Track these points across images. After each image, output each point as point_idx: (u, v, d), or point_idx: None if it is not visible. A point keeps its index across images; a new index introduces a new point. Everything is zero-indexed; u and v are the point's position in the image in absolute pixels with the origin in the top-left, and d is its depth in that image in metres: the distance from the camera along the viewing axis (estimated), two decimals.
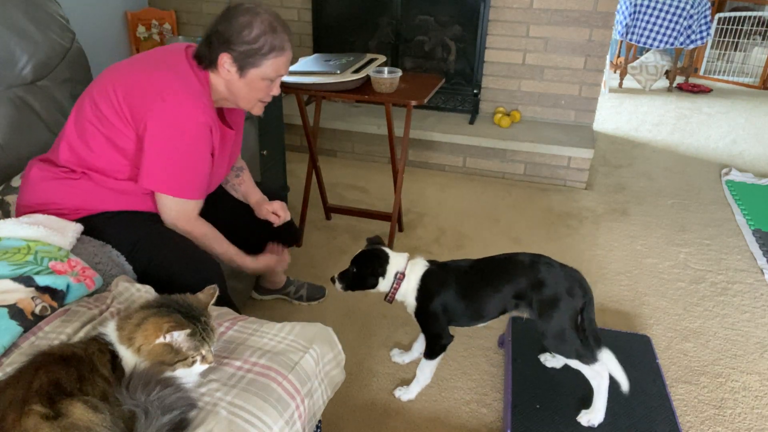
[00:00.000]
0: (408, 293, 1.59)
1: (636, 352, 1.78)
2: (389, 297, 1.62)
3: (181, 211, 1.51)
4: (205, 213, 1.59)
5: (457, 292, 1.56)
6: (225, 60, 1.44)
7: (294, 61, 3.83)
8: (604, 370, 1.49)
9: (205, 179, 1.53)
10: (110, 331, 1.03)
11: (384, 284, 1.60)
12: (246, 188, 1.81)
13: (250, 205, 1.80)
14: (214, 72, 1.47)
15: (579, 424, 1.52)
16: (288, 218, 1.79)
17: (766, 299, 2.25)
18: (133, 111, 1.42)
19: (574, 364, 1.50)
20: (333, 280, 1.64)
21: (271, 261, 1.79)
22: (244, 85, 1.49)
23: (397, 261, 1.61)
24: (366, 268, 1.60)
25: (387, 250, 1.63)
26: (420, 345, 1.76)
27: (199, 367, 1.04)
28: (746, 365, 1.91)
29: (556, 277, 1.49)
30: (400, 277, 1.59)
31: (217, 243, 1.60)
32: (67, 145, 1.49)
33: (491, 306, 1.55)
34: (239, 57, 1.43)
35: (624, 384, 1.49)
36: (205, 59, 1.46)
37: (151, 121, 1.40)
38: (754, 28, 5.17)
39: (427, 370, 1.70)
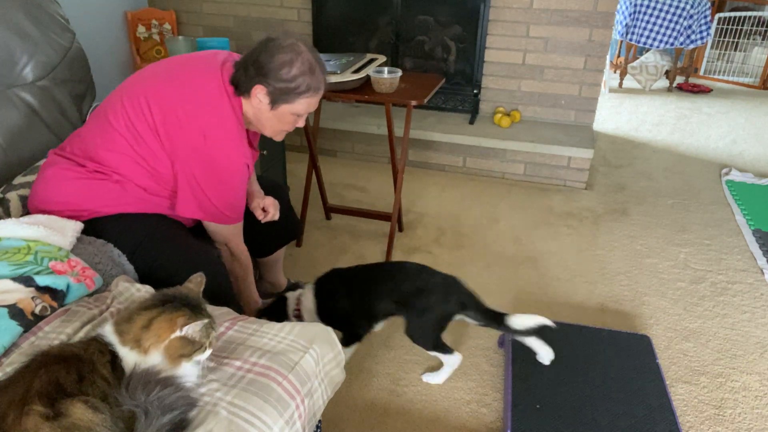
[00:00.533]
0: (313, 314, 1.78)
1: (636, 352, 1.78)
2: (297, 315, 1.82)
3: (230, 233, 1.61)
4: None
5: (348, 294, 1.76)
6: (259, 91, 1.44)
7: None
8: (456, 362, 1.76)
9: (243, 204, 1.60)
10: (108, 333, 1.03)
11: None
12: None
13: None
14: (246, 99, 1.48)
15: (579, 424, 1.52)
16: (276, 217, 1.80)
17: (766, 299, 2.25)
18: (173, 143, 1.45)
19: (433, 353, 1.75)
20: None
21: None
22: (273, 117, 1.50)
23: (291, 297, 1.83)
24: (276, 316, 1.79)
25: (287, 294, 1.84)
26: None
27: (208, 352, 1.07)
28: (746, 365, 1.91)
29: (435, 285, 1.69)
30: (296, 309, 1.81)
31: (251, 271, 1.74)
32: (93, 154, 1.50)
33: (378, 309, 1.75)
34: (274, 92, 1.44)
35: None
36: (241, 87, 1.46)
37: (192, 158, 1.44)
38: (754, 28, 5.17)
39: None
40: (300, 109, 1.49)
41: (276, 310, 1.81)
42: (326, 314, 1.76)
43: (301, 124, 1.57)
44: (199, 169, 1.45)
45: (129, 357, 1.01)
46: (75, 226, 1.43)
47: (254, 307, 1.83)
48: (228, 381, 1.08)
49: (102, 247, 1.44)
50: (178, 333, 1.00)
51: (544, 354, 1.72)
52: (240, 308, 1.61)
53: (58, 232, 1.36)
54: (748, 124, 4.22)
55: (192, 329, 1.01)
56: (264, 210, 1.78)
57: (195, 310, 1.05)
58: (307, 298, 1.79)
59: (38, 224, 1.35)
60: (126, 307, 1.08)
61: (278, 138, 1.60)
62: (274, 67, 1.41)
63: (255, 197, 1.79)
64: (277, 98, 1.45)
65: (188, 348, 1.02)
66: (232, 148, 1.46)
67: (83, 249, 1.41)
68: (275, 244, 1.97)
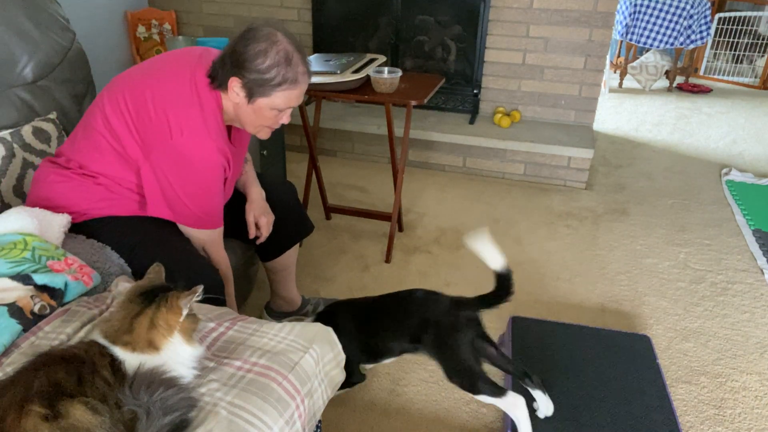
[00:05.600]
0: None
1: (636, 352, 1.78)
2: None
3: (207, 238, 1.55)
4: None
5: (354, 331, 1.55)
6: (234, 84, 1.39)
7: None
8: (517, 400, 1.42)
9: (220, 207, 1.53)
10: (116, 351, 1.03)
11: None
12: (246, 179, 1.76)
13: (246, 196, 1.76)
14: (225, 93, 1.43)
15: (579, 424, 1.52)
16: (264, 238, 1.74)
17: (766, 299, 2.25)
18: (144, 138, 1.41)
19: (484, 399, 1.43)
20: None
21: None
22: (252, 112, 1.44)
23: None
24: None
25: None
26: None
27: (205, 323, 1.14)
28: (746, 365, 1.91)
29: (445, 311, 1.46)
30: None
31: (231, 281, 1.64)
32: (79, 157, 1.49)
33: (391, 346, 1.55)
34: (249, 84, 1.38)
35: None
36: (218, 80, 1.41)
37: (161, 153, 1.40)
38: (755, 28, 5.17)
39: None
40: (279, 102, 1.42)
41: None
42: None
43: (285, 120, 1.49)
44: (167, 164, 1.40)
45: (136, 359, 1.01)
46: (62, 220, 1.41)
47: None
48: (228, 381, 1.08)
49: (101, 249, 1.44)
50: (185, 312, 1.04)
51: (543, 407, 1.53)
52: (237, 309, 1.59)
53: (46, 225, 1.36)
54: (748, 124, 4.22)
55: (189, 302, 1.05)
56: (257, 226, 1.72)
57: (172, 290, 1.09)
58: None
59: (32, 216, 1.35)
60: (110, 320, 1.06)
61: (262, 135, 1.53)
62: (249, 58, 1.36)
63: (252, 208, 1.71)
64: (253, 91, 1.39)
65: (195, 321, 1.08)
66: (201, 144, 1.40)
67: (81, 248, 1.41)
68: (283, 243, 1.88)
